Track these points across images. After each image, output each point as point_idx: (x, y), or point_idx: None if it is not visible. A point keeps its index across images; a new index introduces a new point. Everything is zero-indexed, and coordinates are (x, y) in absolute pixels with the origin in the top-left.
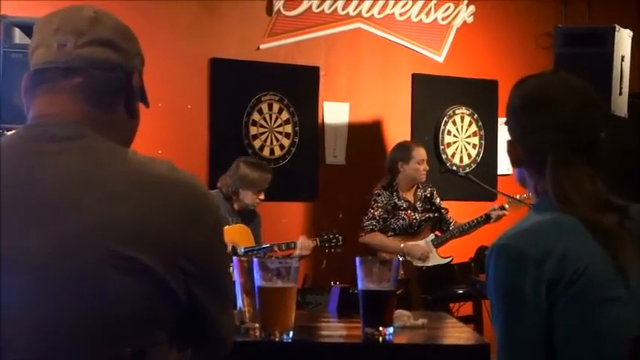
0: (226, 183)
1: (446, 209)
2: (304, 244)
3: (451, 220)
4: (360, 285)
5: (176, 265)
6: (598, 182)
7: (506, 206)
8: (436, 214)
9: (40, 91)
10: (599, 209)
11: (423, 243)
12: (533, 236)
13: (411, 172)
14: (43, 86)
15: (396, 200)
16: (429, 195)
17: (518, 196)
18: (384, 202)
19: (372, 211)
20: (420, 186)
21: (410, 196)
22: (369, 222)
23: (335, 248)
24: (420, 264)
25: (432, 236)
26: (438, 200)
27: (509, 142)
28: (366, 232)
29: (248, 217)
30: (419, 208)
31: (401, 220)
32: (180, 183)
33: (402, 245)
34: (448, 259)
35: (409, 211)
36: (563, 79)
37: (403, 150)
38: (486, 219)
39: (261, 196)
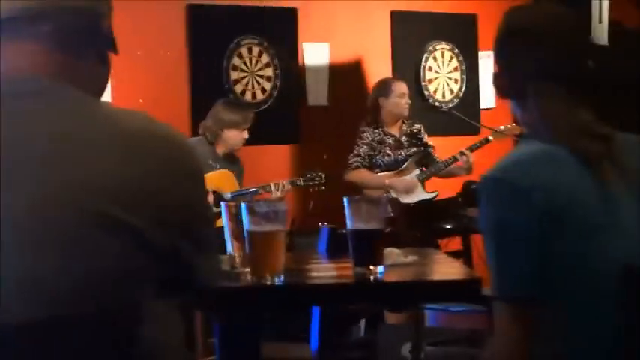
0: (208, 126)
1: (432, 146)
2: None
3: (437, 158)
4: (349, 225)
5: (158, 220)
6: (581, 111)
7: (490, 138)
8: (422, 149)
9: (6, 42)
10: (585, 137)
11: (409, 178)
12: (523, 168)
13: (392, 107)
14: (9, 36)
15: (382, 136)
16: (415, 131)
17: (502, 127)
18: (369, 138)
19: (357, 148)
20: (406, 122)
21: (395, 131)
22: (355, 159)
23: (318, 187)
24: (406, 199)
25: (417, 171)
26: (425, 137)
27: (494, 74)
28: (351, 169)
29: (231, 163)
30: (404, 144)
31: (386, 157)
32: (158, 135)
33: (387, 181)
34: (434, 194)
35: (394, 147)
36: (546, 8)
37: (383, 85)
38: (455, 159)
39: (245, 135)
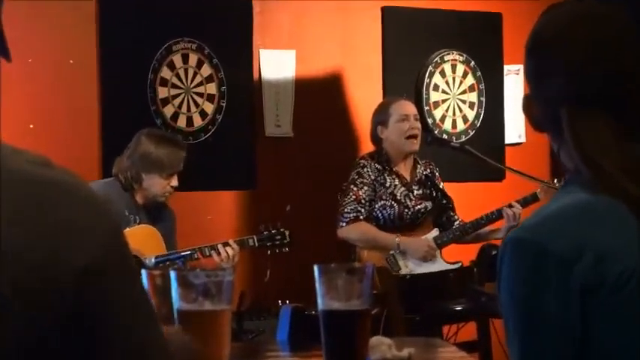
0: (124, 167)
1: (450, 199)
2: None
3: (455, 217)
4: (321, 304)
5: (55, 309)
6: (636, 147)
7: (539, 193)
8: (442, 202)
9: None
10: (637, 179)
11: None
12: (558, 226)
13: (394, 137)
14: None
15: (385, 175)
16: (430, 174)
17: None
18: (372, 177)
19: (354, 189)
20: (420, 162)
21: (405, 172)
22: (353, 206)
23: (281, 248)
24: (418, 270)
25: (434, 232)
26: (441, 184)
27: (525, 98)
28: (348, 221)
29: (157, 214)
30: (414, 192)
31: (388, 209)
32: (52, 185)
33: (398, 239)
34: (457, 265)
35: (401, 196)
36: (588, 7)
37: (380, 110)
38: (498, 215)
39: (174, 182)
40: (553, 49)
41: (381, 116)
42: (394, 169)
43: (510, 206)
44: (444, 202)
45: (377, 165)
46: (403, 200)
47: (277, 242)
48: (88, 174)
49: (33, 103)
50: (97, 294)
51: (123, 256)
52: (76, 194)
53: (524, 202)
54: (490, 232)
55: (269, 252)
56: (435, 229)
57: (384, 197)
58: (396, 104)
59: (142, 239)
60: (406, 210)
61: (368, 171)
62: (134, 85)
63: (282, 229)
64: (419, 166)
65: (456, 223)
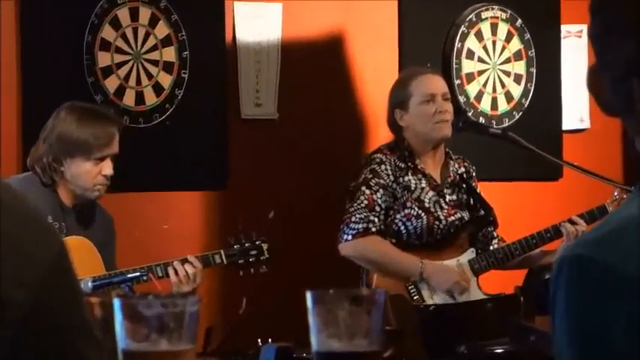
0: (40, 154)
1: (490, 209)
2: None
3: (494, 233)
4: (316, 343)
5: None
6: None
7: (608, 205)
8: (480, 213)
9: None
10: None
11: (455, 264)
12: (629, 240)
13: (418, 125)
14: None
15: (410, 175)
16: (465, 174)
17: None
18: (391, 178)
19: (367, 193)
20: (453, 157)
21: (434, 171)
22: (363, 215)
23: (257, 267)
24: (434, 298)
25: (470, 252)
26: (478, 188)
27: (590, 70)
28: (355, 234)
29: (89, 219)
30: (446, 196)
31: (413, 220)
32: None
33: (421, 264)
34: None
35: (430, 202)
36: None
37: (397, 88)
38: (555, 233)
39: (106, 170)
40: (624, 3)
41: (398, 96)
42: (419, 167)
43: (572, 222)
44: (481, 212)
45: (399, 161)
46: (433, 209)
47: (252, 259)
48: (4, 168)
49: None
50: (36, 325)
51: (65, 283)
52: (15, 215)
53: (591, 217)
54: (543, 255)
55: (241, 272)
56: (471, 248)
57: (408, 204)
58: (417, 80)
59: (73, 256)
60: (437, 222)
61: (386, 169)
62: (65, 49)
63: (257, 242)
64: (452, 162)
65: (495, 241)
